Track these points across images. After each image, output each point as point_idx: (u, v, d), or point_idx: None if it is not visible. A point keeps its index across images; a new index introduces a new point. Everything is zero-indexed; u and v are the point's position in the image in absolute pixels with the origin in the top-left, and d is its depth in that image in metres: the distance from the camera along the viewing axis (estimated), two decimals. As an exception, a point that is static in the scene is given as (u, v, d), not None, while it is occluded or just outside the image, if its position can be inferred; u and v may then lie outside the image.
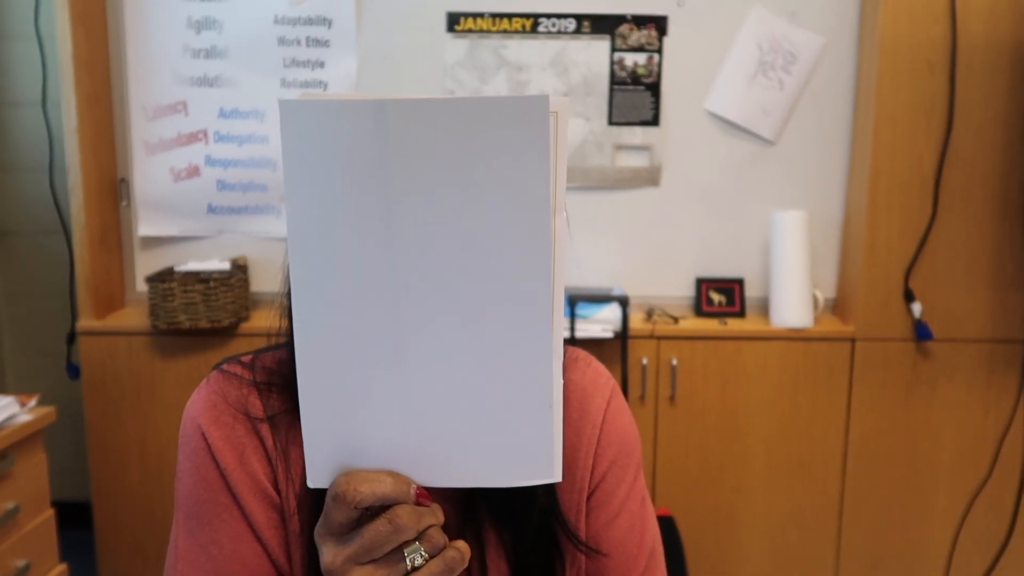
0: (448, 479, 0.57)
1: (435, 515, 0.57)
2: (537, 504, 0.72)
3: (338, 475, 0.55)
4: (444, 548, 0.57)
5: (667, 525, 2.06)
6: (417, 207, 0.50)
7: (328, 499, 0.55)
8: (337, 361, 0.54)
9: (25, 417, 1.69)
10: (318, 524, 0.56)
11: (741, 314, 2.24)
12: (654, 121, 2.23)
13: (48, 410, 1.75)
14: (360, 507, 0.54)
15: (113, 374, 2.09)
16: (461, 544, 0.58)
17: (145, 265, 2.27)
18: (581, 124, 2.23)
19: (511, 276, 0.51)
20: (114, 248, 2.24)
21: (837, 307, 2.27)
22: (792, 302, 2.12)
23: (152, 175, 2.22)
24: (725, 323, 2.17)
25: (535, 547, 0.72)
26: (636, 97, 2.22)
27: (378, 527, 0.54)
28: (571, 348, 0.84)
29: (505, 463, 0.56)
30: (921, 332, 2.08)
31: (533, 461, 0.56)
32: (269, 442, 0.71)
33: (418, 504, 0.56)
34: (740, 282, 2.26)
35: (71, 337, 2.15)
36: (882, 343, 2.11)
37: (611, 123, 2.23)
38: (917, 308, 2.08)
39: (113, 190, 2.23)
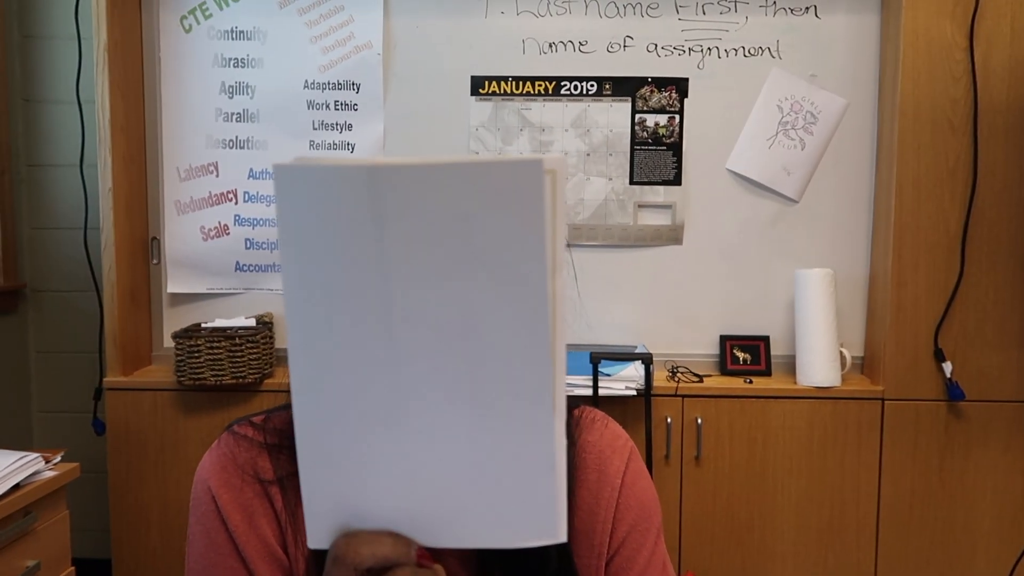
0: (450, 540, 0.56)
1: None
2: (552, 568, 0.71)
3: (338, 536, 0.55)
4: None
5: (694, 591, 2.00)
6: (413, 272, 0.50)
7: (328, 561, 0.55)
8: (336, 422, 0.54)
9: (49, 473, 1.70)
10: None
11: (767, 372, 2.21)
12: (676, 180, 2.25)
13: (72, 466, 1.76)
14: (360, 568, 0.54)
15: (137, 430, 2.11)
16: None
17: (173, 322, 2.30)
18: (603, 183, 2.25)
19: (509, 340, 0.51)
20: (143, 305, 2.27)
21: (865, 366, 2.23)
22: (819, 360, 2.09)
23: (182, 234, 2.27)
24: (751, 381, 2.14)
25: None
26: (658, 157, 2.24)
27: None
28: (588, 409, 0.83)
29: (508, 524, 0.56)
30: (953, 392, 2.03)
31: (536, 522, 0.55)
32: (279, 504, 0.71)
33: (419, 566, 0.55)
34: (765, 340, 2.24)
35: (98, 393, 2.18)
36: (913, 403, 2.06)
37: (632, 182, 2.25)
38: (948, 367, 2.04)
39: (144, 248, 2.28)
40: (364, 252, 0.50)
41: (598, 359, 2.04)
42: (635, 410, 2.06)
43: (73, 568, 1.78)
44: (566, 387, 0.54)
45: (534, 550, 0.71)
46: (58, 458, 1.75)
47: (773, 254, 2.26)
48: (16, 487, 1.60)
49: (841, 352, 2.13)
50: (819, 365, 2.09)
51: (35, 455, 1.68)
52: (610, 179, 2.25)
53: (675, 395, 2.08)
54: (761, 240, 2.26)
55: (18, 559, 1.61)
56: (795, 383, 2.13)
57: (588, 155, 2.25)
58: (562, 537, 0.55)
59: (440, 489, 0.55)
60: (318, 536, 0.56)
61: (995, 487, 2.07)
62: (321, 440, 0.54)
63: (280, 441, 0.73)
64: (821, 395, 2.08)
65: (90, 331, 2.42)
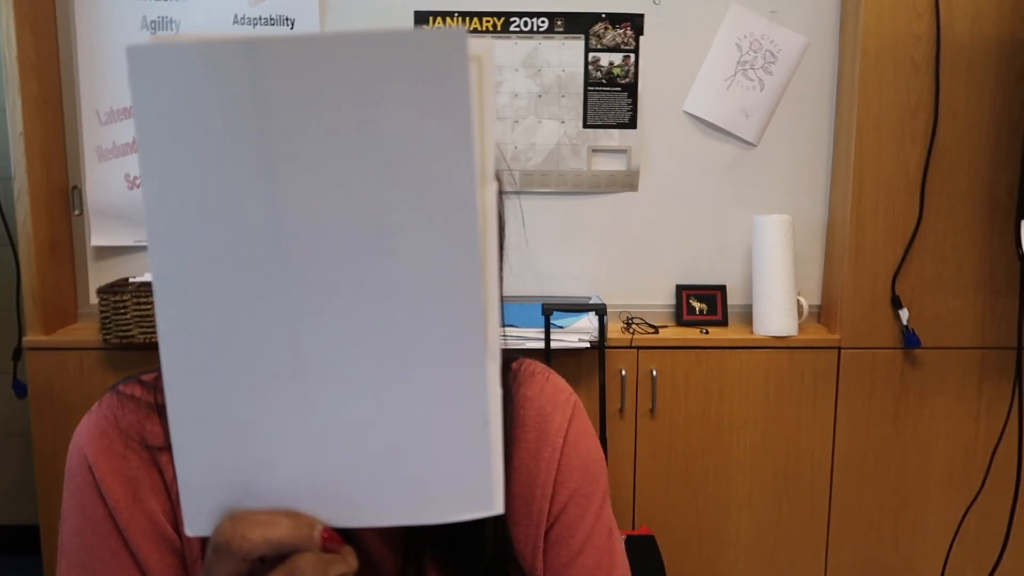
0: (363, 518, 0.46)
1: (346, 562, 0.46)
2: (487, 542, 0.62)
3: (222, 519, 0.45)
4: None
5: (648, 545, 1.97)
6: (307, 178, 0.40)
7: (209, 550, 0.44)
8: (215, 374, 0.43)
9: (-41, 440, 1.57)
10: None
11: (723, 323, 2.15)
12: (631, 123, 2.15)
13: (-14, 432, 1.64)
14: (250, 558, 0.43)
15: (63, 392, 1.98)
16: None
17: (99, 277, 2.16)
18: (556, 127, 2.14)
19: (429, 260, 0.41)
20: (65, 259, 2.12)
21: (822, 314, 2.19)
22: (775, 309, 2.04)
23: (106, 182, 2.11)
24: (707, 332, 2.08)
25: None
26: (612, 98, 2.14)
27: None
28: (528, 361, 0.74)
29: (434, 495, 0.45)
30: (909, 340, 2.00)
31: (468, 491, 0.45)
32: (169, 475, 0.61)
33: (325, 551, 0.45)
34: (722, 289, 2.18)
35: (17, 353, 2.04)
36: (869, 351, 2.03)
37: (586, 125, 2.15)
38: (904, 315, 2.00)
39: (64, 198, 2.12)
40: (244, 154, 0.39)
41: (550, 310, 1.96)
42: (589, 363, 2.00)
43: (-8, 539, 1.67)
44: (504, 330, 0.44)
45: (467, 523, 0.62)
46: (-31, 423, 1.63)
47: (731, 200, 2.18)
48: (-80, 456, 1.48)
49: (799, 301, 2.09)
50: (776, 314, 2.04)
51: (-59, 421, 1.55)
52: (563, 122, 2.15)
53: (630, 347, 2.01)
54: (719, 186, 2.18)
55: (-74, 532, 1.49)
56: (752, 333, 2.08)
57: (539, 96, 2.13)
58: (499, 508, 0.46)
59: (348, 455, 0.44)
60: (197, 520, 0.45)
61: (948, 434, 2.06)
62: (196, 397, 0.43)
63: None
64: (778, 345, 2.03)
65: (7, 287, 2.26)
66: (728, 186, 2.18)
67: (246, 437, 0.44)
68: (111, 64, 2.08)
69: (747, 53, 2.12)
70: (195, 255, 0.41)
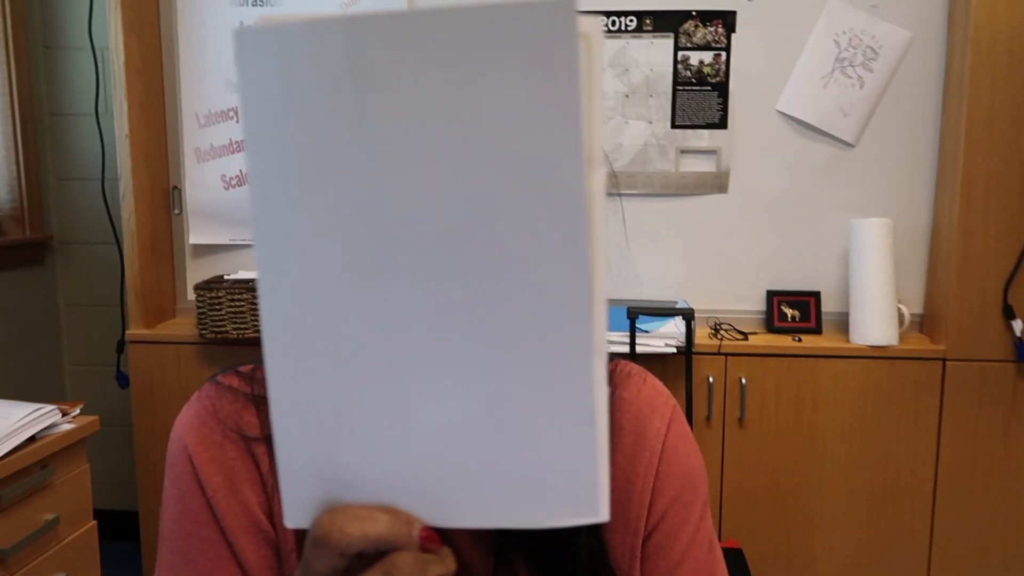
0: (460, 518, 0.44)
1: (444, 564, 0.44)
2: (582, 551, 0.60)
3: (321, 512, 0.44)
4: None
5: (735, 559, 1.90)
6: (407, 160, 0.38)
7: (307, 543, 0.43)
8: (315, 363, 0.42)
9: (67, 426, 1.65)
10: (296, 574, 0.45)
11: (817, 330, 2.07)
12: (721, 123, 2.09)
13: (91, 419, 1.71)
14: (348, 553, 0.42)
15: (161, 383, 2.06)
16: None
17: (196, 273, 2.24)
18: (643, 127, 2.10)
19: (533, 248, 0.39)
20: (165, 257, 2.21)
21: (925, 324, 2.08)
22: (874, 318, 1.94)
23: (203, 183, 2.19)
24: (799, 340, 2.00)
25: None
26: (702, 98, 2.08)
27: None
28: (623, 362, 0.72)
29: (536, 498, 0.43)
30: (1022, 352, 1.87)
31: (572, 495, 0.43)
32: (265, 466, 0.61)
33: (423, 550, 0.44)
34: (816, 295, 2.09)
35: (120, 346, 2.13)
36: (977, 364, 1.91)
37: (675, 126, 2.10)
38: (1018, 326, 1.87)
39: (165, 198, 2.21)
40: (344, 136, 0.38)
41: (635, 314, 1.92)
42: (675, 369, 1.95)
43: (95, 522, 1.75)
44: (606, 327, 0.42)
45: (562, 531, 0.60)
46: (76, 411, 1.71)
47: (826, 203, 2.10)
48: (32, 440, 1.56)
49: (899, 309, 1.98)
50: (875, 323, 1.95)
51: (51, 407, 1.63)
52: (650, 122, 2.10)
53: (718, 353, 1.95)
54: (813, 188, 2.09)
55: (37, 513, 1.57)
56: (848, 342, 1.99)
57: (627, 96, 2.10)
58: (604, 515, 0.43)
59: (447, 452, 0.43)
60: (296, 512, 0.44)
61: (1066, 454, 1.92)
62: (295, 385, 0.42)
63: None
64: (876, 355, 1.93)
65: (114, 283, 2.38)
66: (823, 188, 2.09)
67: (344, 429, 0.43)
68: (210, 69, 2.16)
69: (846, 49, 2.03)
70: (296, 241, 0.40)
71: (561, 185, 0.38)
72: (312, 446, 0.44)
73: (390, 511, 0.44)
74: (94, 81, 2.32)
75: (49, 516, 1.60)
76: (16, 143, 2.28)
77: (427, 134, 0.38)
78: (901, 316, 1.99)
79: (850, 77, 2.04)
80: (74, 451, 1.68)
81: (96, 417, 1.73)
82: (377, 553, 0.43)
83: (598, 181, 0.39)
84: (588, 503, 0.43)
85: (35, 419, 1.57)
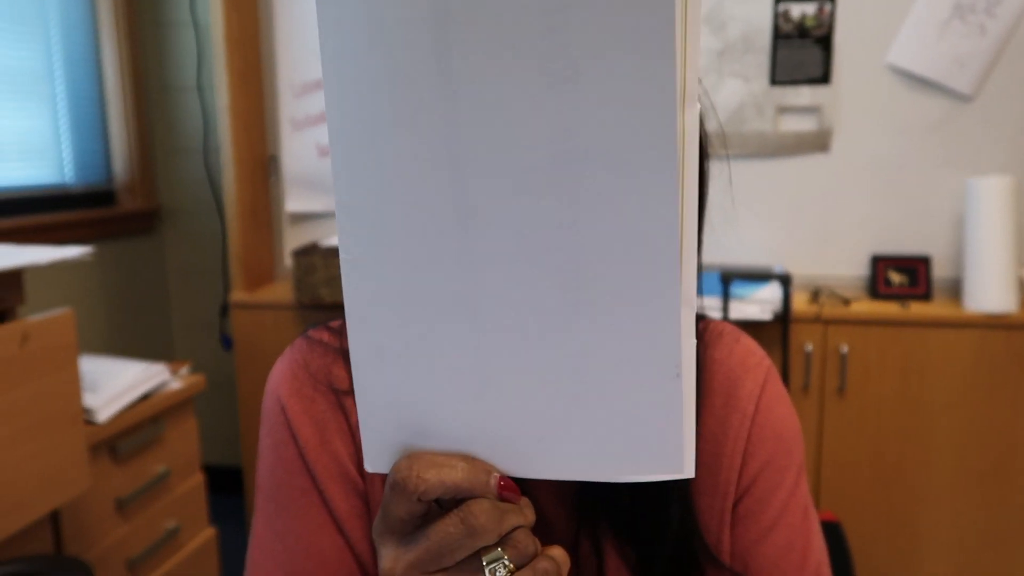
0: (540, 469, 0.43)
1: (523, 514, 0.44)
2: (669, 511, 0.58)
3: (400, 458, 0.44)
4: (535, 557, 0.43)
5: (833, 532, 1.83)
6: (488, 97, 0.37)
7: (386, 488, 0.44)
8: (394, 308, 0.42)
9: (176, 384, 1.74)
10: (376, 520, 0.45)
11: (927, 297, 1.95)
12: (824, 79, 1.98)
13: (198, 378, 1.80)
14: (425, 499, 0.42)
15: (261, 345, 2.14)
16: (557, 552, 0.44)
17: (294, 240, 2.31)
18: (739, 85, 2.02)
19: (620, 187, 0.37)
20: (264, 224, 2.29)
21: (1049, 291, 1.93)
22: (991, 283, 1.82)
23: (299, 151, 2.25)
24: (907, 307, 1.90)
25: (666, 564, 0.59)
26: (803, 52, 1.98)
27: (448, 527, 0.42)
28: (715, 321, 0.69)
29: (618, 451, 0.42)
30: None
31: (656, 449, 0.41)
32: (354, 418, 0.62)
33: (501, 499, 0.43)
34: (926, 260, 1.97)
35: (224, 310, 2.23)
36: (1109, 334, 1.76)
37: (773, 83, 2.00)
38: None
39: (263, 167, 2.28)
40: (424, 74, 0.37)
41: (730, 278, 1.86)
42: (770, 336, 1.88)
43: (202, 474, 1.85)
44: (696, 277, 0.40)
45: (649, 489, 0.58)
46: (184, 370, 1.80)
47: (939, 161, 1.96)
48: (145, 397, 1.65)
49: (1020, 275, 1.84)
50: (992, 288, 1.82)
51: (161, 366, 1.73)
52: (747, 80, 2.02)
53: (817, 320, 1.87)
54: (924, 145, 1.96)
55: (149, 465, 1.67)
56: (961, 309, 1.87)
57: (721, 53, 2.01)
58: (689, 471, 0.42)
59: (526, 401, 0.42)
60: (375, 457, 0.45)
61: None
62: (375, 331, 0.42)
63: None
64: (993, 323, 1.81)
65: (218, 249, 2.49)
66: (936, 146, 1.96)
67: (424, 377, 0.43)
68: (304, 40, 2.20)
69: (965, -6, 1.88)
70: (375, 183, 0.40)
71: (651, 120, 0.36)
72: (391, 392, 0.44)
73: (468, 459, 0.44)
74: (195, 55, 2.41)
75: (161, 469, 1.70)
76: (128, 117, 2.39)
77: (508, 68, 0.36)
78: (1021, 282, 1.85)
79: (970, 24, 1.89)
80: (182, 408, 1.78)
81: (202, 376, 1.82)
82: (455, 500, 0.43)
83: (691, 117, 0.37)
84: (672, 458, 0.41)
85: (147, 377, 1.67)
